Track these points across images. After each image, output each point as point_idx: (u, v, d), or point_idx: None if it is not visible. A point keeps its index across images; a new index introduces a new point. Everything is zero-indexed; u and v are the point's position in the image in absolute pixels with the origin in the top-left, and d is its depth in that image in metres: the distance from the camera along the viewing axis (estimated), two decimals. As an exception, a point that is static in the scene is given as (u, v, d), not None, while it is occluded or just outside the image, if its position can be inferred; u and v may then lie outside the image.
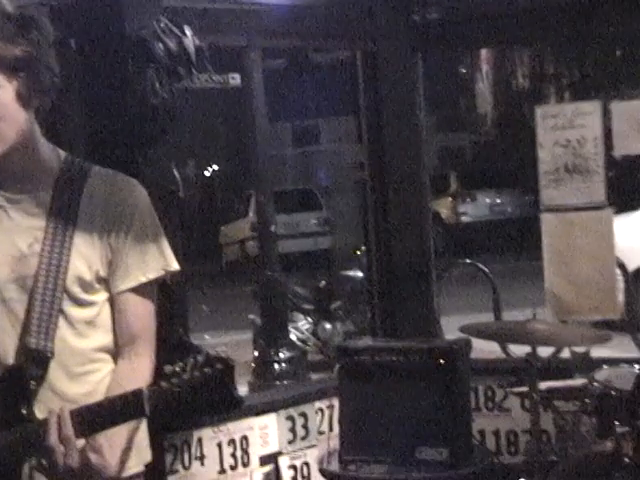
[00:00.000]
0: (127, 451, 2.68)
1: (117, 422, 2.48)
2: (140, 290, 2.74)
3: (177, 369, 2.33)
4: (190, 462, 5.23)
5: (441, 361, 4.94)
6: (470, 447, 5.15)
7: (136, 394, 2.41)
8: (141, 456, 2.80)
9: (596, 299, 5.79)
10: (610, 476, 2.80)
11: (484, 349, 7.07)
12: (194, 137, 25.09)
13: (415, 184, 6.37)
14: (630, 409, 2.47)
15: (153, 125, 4.56)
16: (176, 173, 4.92)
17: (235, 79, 8.82)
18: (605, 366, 4.79)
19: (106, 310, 2.75)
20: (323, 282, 10.90)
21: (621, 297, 7.43)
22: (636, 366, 4.68)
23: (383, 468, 5.04)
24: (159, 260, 2.78)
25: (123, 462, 2.67)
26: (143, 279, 2.73)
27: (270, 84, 10.19)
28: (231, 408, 2.33)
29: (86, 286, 2.69)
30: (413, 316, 6.32)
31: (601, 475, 2.86)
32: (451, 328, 4.96)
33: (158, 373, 2.49)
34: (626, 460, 2.66)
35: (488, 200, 23.29)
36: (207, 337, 10.78)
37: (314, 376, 8.94)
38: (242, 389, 8.26)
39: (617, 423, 2.84)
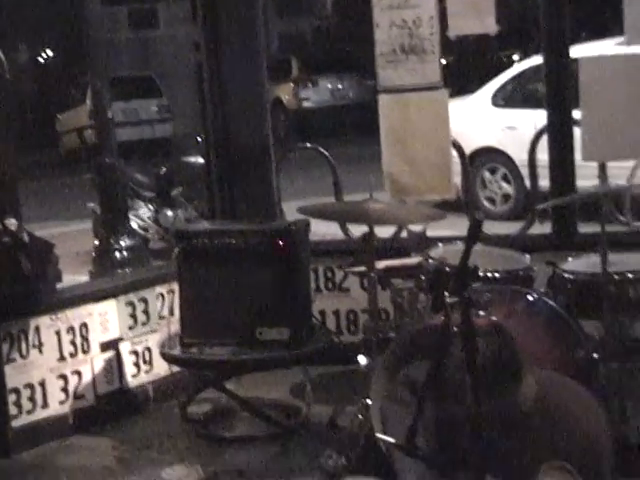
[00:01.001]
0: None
1: None
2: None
3: None
4: (28, 351, 5.15)
5: (280, 242, 4.95)
6: (310, 327, 5.22)
7: None
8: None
9: (432, 179, 5.89)
10: (441, 345, 2.89)
11: (326, 232, 7.14)
12: (23, 20, 24.09)
13: (252, 67, 6.29)
14: (458, 280, 2.53)
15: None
16: (0, 54, 4.70)
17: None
18: (440, 244, 4.91)
19: None
20: (163, 169, 10.75)
21: (458, 179, 7.58)
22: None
23: (225, 350, 5.08)
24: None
25: None
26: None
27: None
28: (18, 282, 2.26)
29: None
30: (253, 200, 6.31)
31: (433, 346, 2.94)
32: (294, 213, 4.98)
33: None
34: (454, 329, 2.74)
35: (330, 85, 23.27)
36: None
37: (156, 264, 8.88)
38: (83, 278, 8.13)
39: (447, 295, 2.93)
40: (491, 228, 8.21)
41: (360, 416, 4.42)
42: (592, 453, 3.07)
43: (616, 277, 4.36)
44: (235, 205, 6.29)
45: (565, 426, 3.08)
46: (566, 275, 4.56)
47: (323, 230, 7.07)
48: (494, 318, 3.96)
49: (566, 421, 3.09)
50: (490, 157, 10.78)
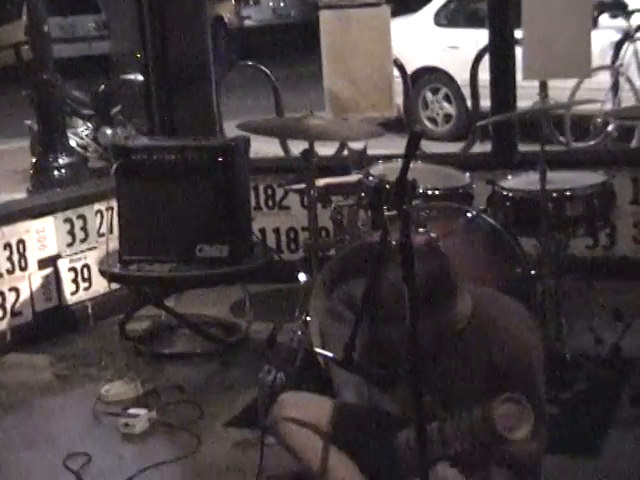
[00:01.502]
0: None
1: None
2: None
3: None
4: (-37, 266, 5.10)
5: (219, 159, 4.90)
6: (250, 244, 5.21)
7: None
8: None
9: (373, 97, 5.86)
10: (379, 260, 2.89)
11: (268, 151, 7.09)
12: None
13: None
14: (397, 194, 2.52)
15: None
16: None
17: None
18: (380, 162, 4.90)
19: None
20: (102, 86, 10.58)
21: (400, 99, 7.57)
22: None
23: (164, 267, 5.05)
24: None
25: None
26: None
27: None
28: None
29: None
30: (192, 117, 6.25)
31: (371, 261, 2.94)
32: (235, 131, 4.94)
33: None
34: (393, 242, 2.73)
35: (271, 3, 22.95)
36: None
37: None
38: (20, 196, 8.03)
39: (386, 210, 2.93)
40: (432, 148, 8.27)
41: (299, 333, 4.45)
42: (527, 368, 3.11)
43: (554, 195, 4.39)
44: (174, 122, 6.23)
45: (501, 342, 3.11)
46: (505, 193, 4.58)
47: (265, 149, 7.03)
48: (433, 235, 3.98)
49: (501, 337, 3.12)
50: (432, 77, 10.73)
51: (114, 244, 5.28)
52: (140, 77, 9.45)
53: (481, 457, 3.03)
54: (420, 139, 2.49)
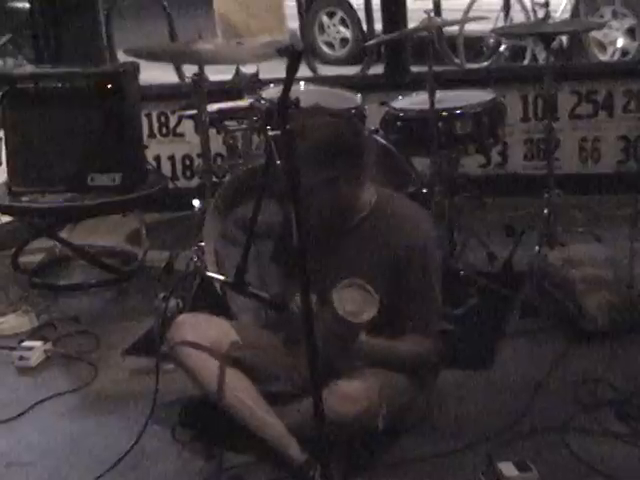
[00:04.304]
0: None
1: None
2: None
3: None
4: None
5: (107, 85, 4.80)
6: (143, 172, 5.13)
7: None
8: None
9: (264, 19, 5.81)
10: (264, 179, 2.88)
11: (165, 79, 6.95)
12: None
13: None
14: (280, 112, 2.50)
15: None
16: None
17: None
18: (272, 85, 4.86)
19: None
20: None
21: (296, 24, 7.53)
22: (301, 83, 4.83)
23: (57, 197, 4.95)
24: None
25: None
26: None
27: None
28: None
29: None
30: (80, 45, 6.12)
31: (258, 185, 2.93)
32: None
33: None
34: (278, 162, 2.72)
35: None
36: None
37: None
38: None
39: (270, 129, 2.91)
40: (330, 72, 8.23)
41: (196, 259, 4.42)
42: (424, 264, 3.17)
43: (443, 113, 4.42)
44: (62, 50, 6.09)
45: (401, 235, 3.16)
46: (396, 113, 4.59)
47: (163, 79, 6.89)
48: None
49: (404, 230, 3.17)
50: (328, 0, 10.63)
51: (2, 176, 5.15)
52: (27, 4, 9.18)
53: (341, 350, 3.07)
54: (300, 57, 2.46)
